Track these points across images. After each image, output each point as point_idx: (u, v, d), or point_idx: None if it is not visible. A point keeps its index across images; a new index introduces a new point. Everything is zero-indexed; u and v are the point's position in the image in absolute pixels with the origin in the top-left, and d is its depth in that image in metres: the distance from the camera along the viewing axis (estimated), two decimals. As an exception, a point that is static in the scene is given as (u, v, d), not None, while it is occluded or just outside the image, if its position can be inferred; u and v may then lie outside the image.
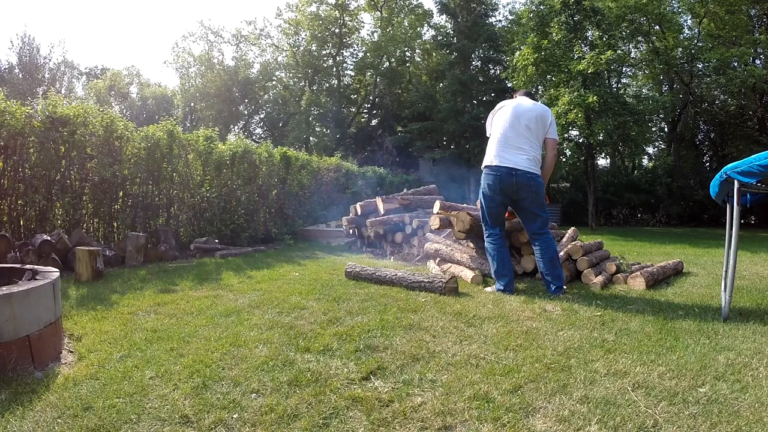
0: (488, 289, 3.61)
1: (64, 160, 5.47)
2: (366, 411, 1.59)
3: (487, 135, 3.74)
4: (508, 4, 30.48)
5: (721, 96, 17.20)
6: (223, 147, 7.60)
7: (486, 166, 3.56)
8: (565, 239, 4.68)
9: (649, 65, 16.82)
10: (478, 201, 3.73)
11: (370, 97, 25.97)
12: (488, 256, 3.63)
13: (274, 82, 27.91)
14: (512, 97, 3.84)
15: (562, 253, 4.04)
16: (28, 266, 2.52)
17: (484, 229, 3.68)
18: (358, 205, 7.01)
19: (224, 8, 49.97)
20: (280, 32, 27.06)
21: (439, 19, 22.81)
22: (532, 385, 1.78)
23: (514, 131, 3.47)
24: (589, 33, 13.38)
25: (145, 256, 5.29)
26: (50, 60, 23.39)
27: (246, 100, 27.85)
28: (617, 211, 16.65)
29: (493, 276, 3.63)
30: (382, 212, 6.46)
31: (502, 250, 3.55)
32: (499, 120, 3.59)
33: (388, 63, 24.61)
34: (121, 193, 6.16)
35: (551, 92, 12.45)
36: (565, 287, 3.52)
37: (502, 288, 3.49)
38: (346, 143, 22.24)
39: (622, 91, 16.35)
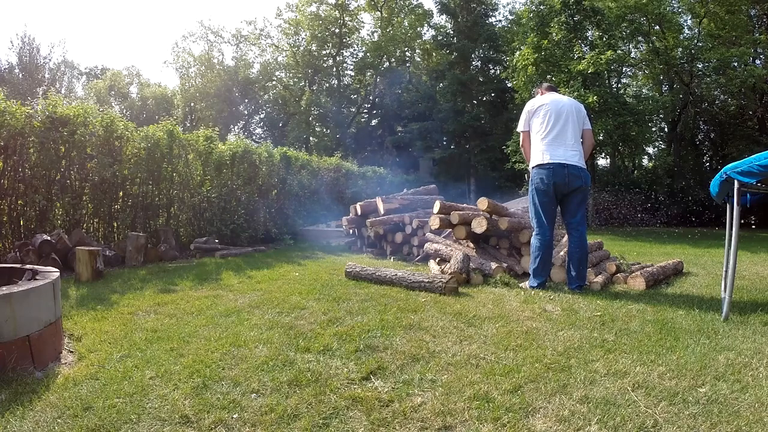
0: (522, 284, 3.75)
1: (64, 160, 5.47)
2: (366, 411, 1.59)
3: (519, 130, 3.87)
4: (508, 4, 30.52)
5: (721, 96, 17.18)
6: (223, 147, 7.59)
7: (537, 165, 3.64)
8: (565, 239, 4.68)
9: (649, 65, 16.81)
10: (529, 201, 3.82)
11: (370, 97, 25.98)
12: (531, 253, 3.72)
13: (274, 82, 27.92)
14: (540, 94, 3.91)
15: (562, 253, 4.05)
16: (28, 266, 2.52)
17: (534, 226, 3.76)
18: (358, 205, 7.00)
19: (224, 8, 50.03)
20: (280, 32, 27.10)
21: (439, 19, 22.86)
22: (532, 385, 1.78)
23: (559, 129, 3.60)
24: (589, 33, 13.38)
25: (145, 256, 5.29)
26: (50, 60, 23.39)
27: (246, 100, 27.86)
28: (617, 211, 16.64)
29: (530, 272, 3.73)
30: (382, 212, 6.46)
31: (548, 251, 3.65)
32: (540, 119, 3.68)
33: (388, 63, 24.62)
34: (121, 193, 6.16)
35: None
36: (586, 283, 3.68)
37: (535, 285, 3.62)
38: (346, 143, 22.25)
39: (622, 91, 16.33)
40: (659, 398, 1.66)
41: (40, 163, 5.20)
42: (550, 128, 3.61)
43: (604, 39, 12.38)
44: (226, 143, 7.96)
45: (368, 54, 24.63)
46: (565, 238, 4.73)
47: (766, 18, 16.08)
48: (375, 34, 25.64)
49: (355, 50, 26.13)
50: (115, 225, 6.09)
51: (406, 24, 25.24)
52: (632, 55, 16.99)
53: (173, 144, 6.64)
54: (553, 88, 3.94)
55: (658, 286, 3.89)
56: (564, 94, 4.03)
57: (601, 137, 11.98)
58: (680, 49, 15.40)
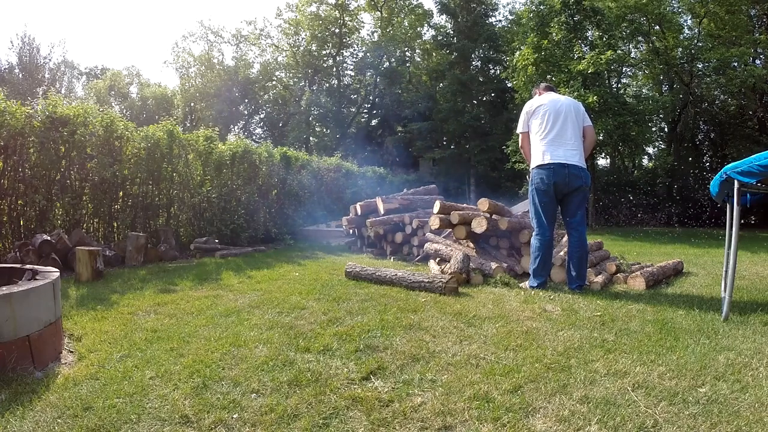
0: (522, 284, 3.75)
1: (64, 160, 5.47)
2: (366, 411, 1.59)
3: (518, 132, 3.87)
4: (508, 4, 30.53)
5: (721, 96, 17.18)
6: (223, 147, 7.60)
7: (538, 165, 3.64)
8: (565, 239, 4.68)
9: (649, 65, 16.81)
10: (529, 202, 3.83)
11: (370, 97, 25.96)
12: (531, 253, 3.72)
13: (274, 82, 27.91)
14: (538, 94, 3.91)
15: (562, 253, 4.05)
16: (28, 266, 2.52)
17: (534, 227, 3.75)
18: (358, 205, 7.00)
19: (224, 8, 49.97)
20: (280, 32, 27.09)
21: (439, 19, 22.83)
22: (532, 385, 1.78)
23: (559, 129, 3.61)
24: (589, 33, 13.38)
25: (145, 256, 5.29)
26: (50, 60, 23.36)
27: (246, 100, 27.85)
28: (617, 211, 16.64)
29: (530, 272, 3.73)
30: (382, 212, 6.46)
31: (548, 251, 3.65)
32: (539, 120, 3.68)
33: (388, 63, 24.61)
34: (121, 193, 6.16)
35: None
36: (586, 283, 3.69)
37: (535, 285, 3.63)
38: (346, 143, 22.24)
39: (622, 91, 16.33)
40: (659, 398, 1.66)
41: (40, 163, 5.20)
42: (549, 128, 3.61)
43: (604, 39, 12.38)
44: (226, 143, 7.97)
45: (368, 54, 24.62)
46: (565, 238, 4.74)
47: (766, 18, 16.07)
48: (375, 34, 25.64)
49: (355, 50, 26.13)
50: (115, 225, 6.09)
51: (406, 24, 25.23)
52: (632, 55, 16.99)
53: (173, 144, 6.64)
54: (551, 88, 3.94)
55: (658, 286, 3.89)
56: (564, 94, 4.03)
57: (601, 137, 11.99)
58: (680, 49, 15.41)
